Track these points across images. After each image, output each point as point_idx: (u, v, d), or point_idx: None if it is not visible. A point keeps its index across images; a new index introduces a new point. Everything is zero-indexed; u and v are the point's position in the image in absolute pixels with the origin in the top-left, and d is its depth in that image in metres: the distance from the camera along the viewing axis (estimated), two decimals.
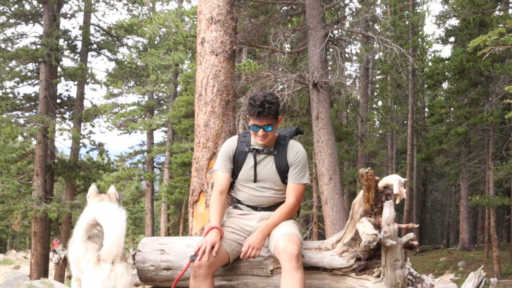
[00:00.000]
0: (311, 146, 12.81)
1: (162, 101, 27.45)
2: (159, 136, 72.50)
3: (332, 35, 11.33)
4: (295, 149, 3.07)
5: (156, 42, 21.38)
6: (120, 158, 25.57)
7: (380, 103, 28.08)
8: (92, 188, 3.03)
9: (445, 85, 22.11)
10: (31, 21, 17.71)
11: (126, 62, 19.82)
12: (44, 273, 15.78)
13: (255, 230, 3.06)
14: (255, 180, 3.06)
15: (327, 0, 11.67)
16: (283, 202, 3.12)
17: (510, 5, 16.78)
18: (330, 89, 11.53)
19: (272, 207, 3.11)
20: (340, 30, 12.08)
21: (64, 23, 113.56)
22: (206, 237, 2.87)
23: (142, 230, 34.91)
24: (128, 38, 20.29)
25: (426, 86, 22.73)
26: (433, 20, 27.25)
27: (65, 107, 18.50)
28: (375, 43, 11.61)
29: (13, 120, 16.47)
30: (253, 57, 14.89)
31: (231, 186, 3.21)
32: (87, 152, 19.61)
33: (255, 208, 3.12)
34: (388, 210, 2.73)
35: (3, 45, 17.30)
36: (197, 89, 5.07)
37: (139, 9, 20.39)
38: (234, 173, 3.13)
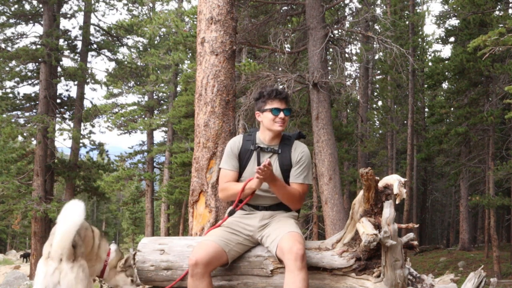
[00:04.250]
0: (311, 146, 12.81)
1: (162, 101, 27.46)
2: (159, 136, 72.53)
3: (332, 35, 11.33)
4: (299, 149, 3.09)
5: (156, 42, 21.37)
6: (120, 158, 25.55)
7: (380, 103, 28.08)
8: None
9: (445, 85, 22.11)
10: (31, 21, 17.71)
11: (126, 62, 19.81)
12: None
13: (255, 230, 3.06)
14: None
15: (327, 0, 11.67)
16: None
17: (510, 5, 16.79)
18: (330, 89, 11.53)
19: (273, 207, 3.11)
20: (340, 30, 12.08)
21: (64, 23, 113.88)
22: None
23: (142, 230, 34.91)
24: (128, 38, 20.30)
25: (426, 86, 22.72)
26: (433, 20, 27.27)
27: (65, 107, 18.50)
28: (375, 43, 11.61)
29: (13, 120, 16.47)
30: (253, 57, 14.89)
31: None
32: (87, 152, 19.58)
33: (256, 207, 3.12)
34: (388, 210, 2.73)
35: (3, 45, 17.30)
36: (197, 89, 5.07)
37: (139, 9, 20.40)
38: (239, 172, 3.14)
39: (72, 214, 2.65)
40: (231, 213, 3.10)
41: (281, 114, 3.00)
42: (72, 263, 2.65)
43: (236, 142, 3.16)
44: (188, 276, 2.87)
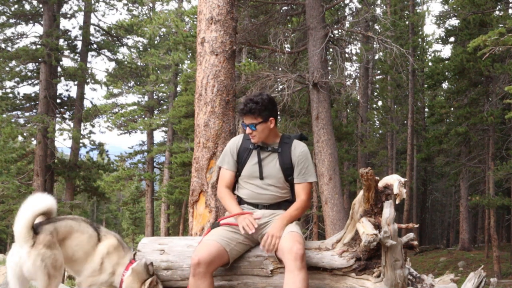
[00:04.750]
0: (311, 146, 12.81)
1: (162, 101, 27.45)
2: (159, 136, 72.45)
3: (332, 35, 11.33)
4: (299, 148, 3.11)
5: (156, 42, 21.36)
6: (120, 158, 25.54)
7: (380, 103, 28.07)
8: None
9: (445, 85, 22.12)
10: (31, 21, 17.69)
11: (126, 62, 19.79)
12: None
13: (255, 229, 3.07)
14: (261, 177, 3.09)
15: (327, 0, 11.67)
16: (284, 200, 3.15)
17: (510, 5, 16.80)
18: (330, 89, 11.53)
19: (273, 205, 3.13)
20: (340, 30, 12.08)
21: (64, 23, 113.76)
22: (243, 216, 2.98)
23: (142, 230, 34.86)
24: (128, 38, 20.27)
25: (426, 86, 22.73)
26: (433, 20, 27.25)
27: (65, 107, 18.47)
28: (375, 43, 11.61)
29: (13, 120, 16.45)
30: (253, 57, 14.88)
31: (234, 184, 3.25)
32: (87, 152, 19.56)
33: (256, 205, 3.14)
34: (388, 210, 2.73)
35: (3, 45, 17.28)
36: (197, 89, 5.07)
37: (139, 9, 20.38)
38: (238, 170, 3.18)
39: (30, 202, 2.75)
40: (214, 226, 3.12)
41: (247, 130, 3.05)
42: (30, 249, 2.68)
43: (235, 142, 3.22)
44: (189, 275, 2.88)
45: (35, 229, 2.72)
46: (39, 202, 2.78)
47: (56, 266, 2.76)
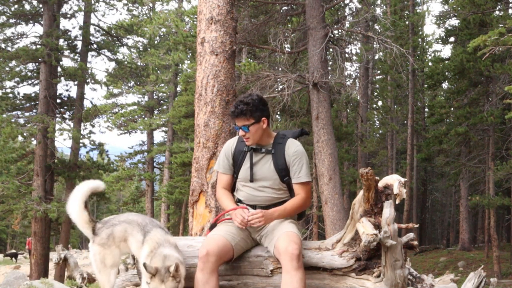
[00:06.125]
0: (311, 146, 12.82)
1: (162, 101, 27.46)
2: (159, 136, 72.48)
3: (332, 35, 11.33)
4: (293, 148, 3.06)
5: (156, 42, 21.35)
6: (120, 158, 25.56)
7: (380, 103, 28.07)
8: None
9: (445, 85, 22.11)
10: (31, 21, 17.68)
11: (126, 62, 19.77)
12: (44, 273, 15.77)
13: (254, 230, 3.07)
14: (251, 180, 3.07)
15: (327, 0, 11.66)
16: (281, 201, 3.12)
17: (510, 5, 16.79)
18: (330, 89, 11.53)
19: (270, 206, 3.11)
20: (340, 30, 12.08)
21: (64, 23, 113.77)
22: (235, 212, 2.97)
23: None
24: (128, 38, 20.25)
25: (426, 86, 22.73)
26: (433, 20, 27.24)
27: (65, 107, 18.47)
28: (375, 43, 11.61)
29: (13, 120, 16.45)
30: (253, 57, 14.88)
31: (234, 186, 3.24)
32: (87, 152, 19.55)
33: (254, 207, 3.12)
34: (388, 210, 2.73)
35: (3, 45, 17.26)
36: (197, 89, 5.08)
37: (139, 9, 20.36)
38: (235, 172, 3.17)
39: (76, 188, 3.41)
40: (212, 227, 3.13)
41: (240, 132, 3.03)
42: (91, 244, 3.12)
43: (229, 145, 3.19)
44: (196, 271, 2.86)
45: (94, 231, 3.13)
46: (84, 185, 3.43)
47: (105, 263, 3.06)
